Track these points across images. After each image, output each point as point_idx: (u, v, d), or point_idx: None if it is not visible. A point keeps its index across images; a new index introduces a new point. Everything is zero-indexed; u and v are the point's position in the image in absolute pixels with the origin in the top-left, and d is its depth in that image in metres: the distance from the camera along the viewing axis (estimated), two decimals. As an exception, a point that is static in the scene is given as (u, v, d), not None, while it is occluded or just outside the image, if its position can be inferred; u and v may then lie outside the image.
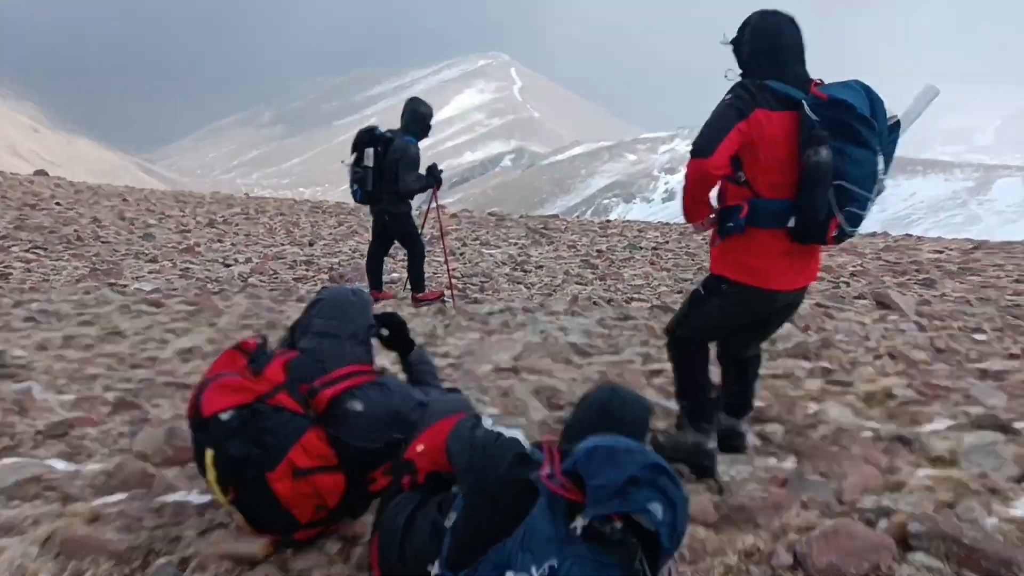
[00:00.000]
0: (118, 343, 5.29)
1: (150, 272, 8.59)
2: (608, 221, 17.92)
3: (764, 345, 3.52)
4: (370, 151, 6.92)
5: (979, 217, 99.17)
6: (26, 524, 2.49)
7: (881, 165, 2.63)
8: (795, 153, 2.62)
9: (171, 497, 2.73)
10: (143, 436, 3.21)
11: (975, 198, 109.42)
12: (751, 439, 3.38)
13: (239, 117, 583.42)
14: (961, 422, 3.64)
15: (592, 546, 1.69)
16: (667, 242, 13.33)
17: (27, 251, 9.28)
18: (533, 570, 1.68)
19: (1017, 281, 8.85)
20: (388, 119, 7.53)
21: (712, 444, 3.02)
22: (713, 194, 2.85)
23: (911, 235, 15.92)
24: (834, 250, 11.32)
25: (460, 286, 8.39)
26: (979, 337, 5.81)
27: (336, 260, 10.18)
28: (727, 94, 2.69)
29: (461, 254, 11.09)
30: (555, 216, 19.80)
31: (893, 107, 2.71)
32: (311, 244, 11.84)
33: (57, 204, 13.93)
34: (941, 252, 11.80)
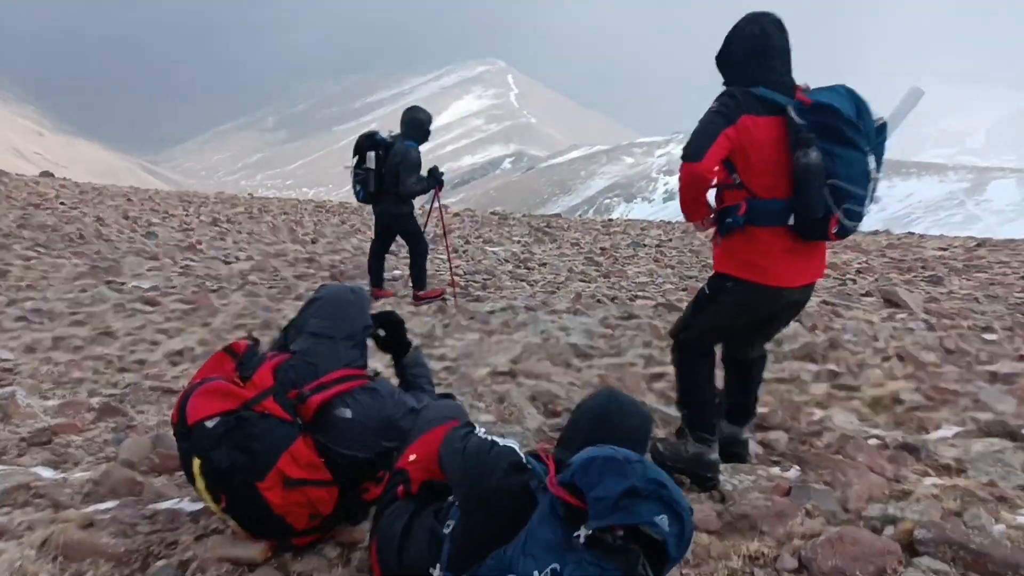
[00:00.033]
0: (108, 345, 5.26)
1: (149, 269, 8.54)
2: (611, 220, 17.87)
3: (769, 347, 3.46)
4: (371, 154, 6.99)
5: (978, 216, 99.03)
6: (20, 529, 2.47)
7: (873, 165, 2.68)
8: (785, 156, 2.67)
9: (163, 504, 2.69)
10: (128, 444, 3.17)
11: (972, 199, 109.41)
12: (754, 447, 3.32)
13: (242, 121, 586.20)
14: (969, 428, 3.58)
15: (594, 552, 1.68)
16: (671, 239, 13.27)
17: (28, 249, 9.24)
18: (535, 574, 1.68)
19: (1024, 278, 8.76)
20: (387, 125, 7.55)
21: (714, 455, 2.96)
22: (711, 195, 2.85)
23: (913, 233, 15.83)
24: (838, 247, 11.25)
25: (462, 283, 8.34)
26: (989, 337, 5.73)
27: (338, 258, 10.12)
28: (714, 102, 2.75)
29: (464, 252, 11.03)
30: (558, 215, 19.76)
31: (879, 110, 2.77)
32: (313, 242, 11.79)
33: (61, 204, 13.91)
34: (945, 249, 11.71)
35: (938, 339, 5.52)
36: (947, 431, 3.59)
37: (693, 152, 2.67)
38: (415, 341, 4.52)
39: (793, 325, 5.71)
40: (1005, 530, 2.52)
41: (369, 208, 7.82)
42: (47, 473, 2.98)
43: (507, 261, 10.34)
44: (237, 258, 9.79)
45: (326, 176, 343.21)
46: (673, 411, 3.43)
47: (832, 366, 4.77)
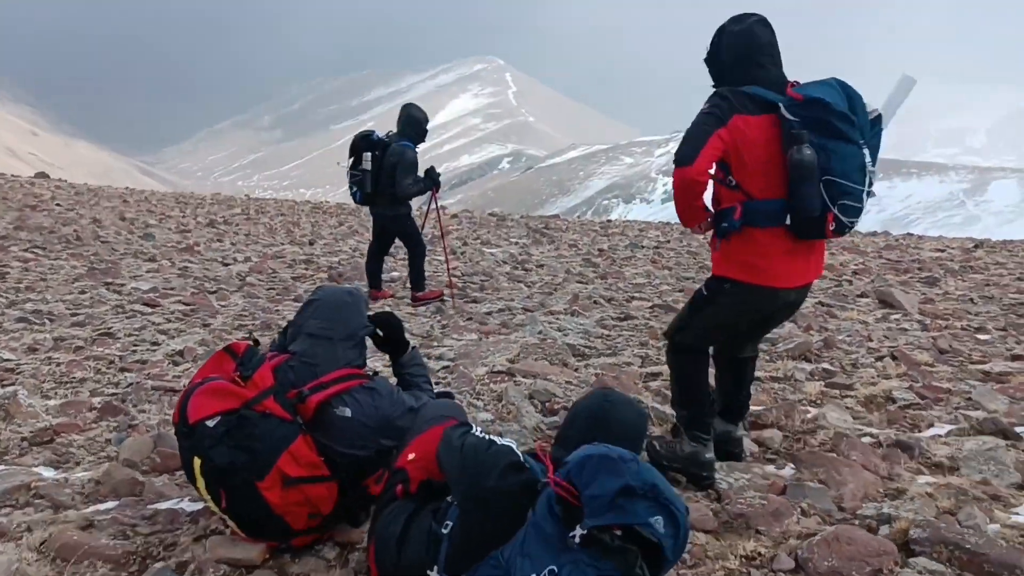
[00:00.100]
0: (109, 345, 5.27)
1: (148, 271, 8.56)
2: (609, 221, 17.86)
3: (763, 346, 3.49)
4: (368, 155, 6.93)
5: (977, 217, 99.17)
6: (19, 530, 2.48)
7: (868, 158, 2.64)
8: (778, 154, 2.64)
9: (163, 505, 2.71)
10: (130, 443, 3.19)
11: (972, 199, 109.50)
12: (748, 445, 3.34)
13: (238, 120, 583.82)
14: (962, 427, 3.60)
15: (591, 552, 1.69)
16: (668, 241, 13.28)
17: (25, 251, 9.25)
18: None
19: (1020, 279, 8.79)
20: (385, 123, 7.53)
21: (709, 455, 2.97)
22: (708, 198, 2.84)
23: (912, 234, 15.86)
24: (835, 248, 11.27)
25: (460, 285, 8.35)
26: (982, 337, 5.77)
27: (336, 259, 10.13)
28: (705, 103, 2.73)
29: (462, 253, 11.04)
30: (556, 216, 19.74)
31: (871, 102, 2.74)
32: (311, 243, 11.79)
33: (57, 205, 13.90)
34: (943, 251, 11.74)
35: (932, 339, 5.56)
36: (940, 429, 3.61)
37: (684, 156, 2.65)
38: (413, 341, 4.54)
39: (788, 325, 5.74)
40: (1000, 529, 2.54)
41: (367, 210, 7.80)
42: (48, 472, 3.00)
43: (505, 262, 10.35)
44: (235, 259, 9.80)
45: (323, 176, 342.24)
46: (669, 409, 3.45)
47: (826, 365, 4.80)
